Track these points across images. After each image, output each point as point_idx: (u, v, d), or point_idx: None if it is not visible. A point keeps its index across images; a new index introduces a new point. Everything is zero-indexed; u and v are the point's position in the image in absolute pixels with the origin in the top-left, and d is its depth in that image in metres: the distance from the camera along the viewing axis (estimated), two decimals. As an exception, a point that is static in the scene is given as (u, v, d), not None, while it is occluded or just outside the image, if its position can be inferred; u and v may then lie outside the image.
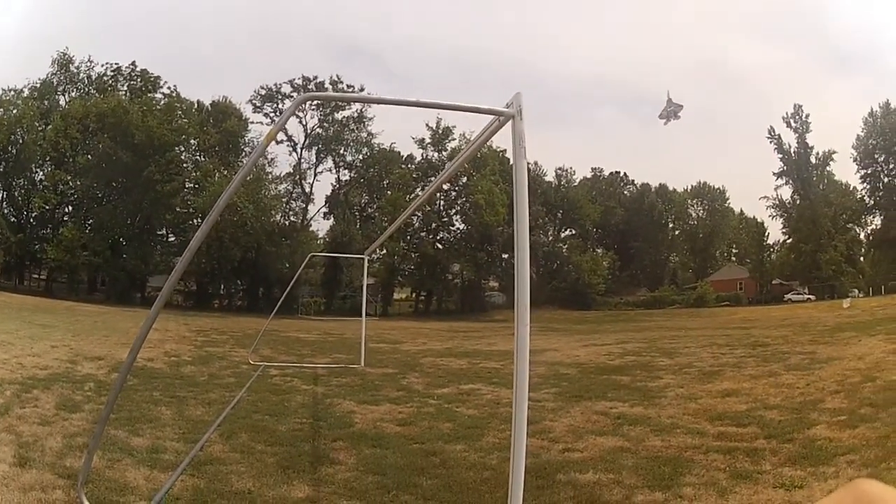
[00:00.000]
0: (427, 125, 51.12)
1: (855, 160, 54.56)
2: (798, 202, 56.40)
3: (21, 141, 43.55)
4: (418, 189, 48.04)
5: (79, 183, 45.84)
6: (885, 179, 53.60)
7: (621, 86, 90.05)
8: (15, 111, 44.09)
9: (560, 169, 59.82)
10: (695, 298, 52.96)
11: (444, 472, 5.87)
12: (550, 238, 58.24)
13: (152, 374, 11.21)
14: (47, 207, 45.05)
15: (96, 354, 13.44)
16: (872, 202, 54.86)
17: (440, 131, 50.70)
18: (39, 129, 44.80)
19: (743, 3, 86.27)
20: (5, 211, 44.93)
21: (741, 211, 67.14)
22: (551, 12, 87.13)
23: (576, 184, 60.48)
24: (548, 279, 53.34)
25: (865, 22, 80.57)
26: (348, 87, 51.23)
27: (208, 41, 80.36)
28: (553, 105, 78.35)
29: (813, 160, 56.00)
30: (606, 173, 64.97)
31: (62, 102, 48.88)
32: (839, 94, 78.51)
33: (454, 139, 50.18)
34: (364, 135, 52.70)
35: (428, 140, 51.27)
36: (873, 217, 55.95)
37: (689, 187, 66.40)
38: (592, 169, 64.67)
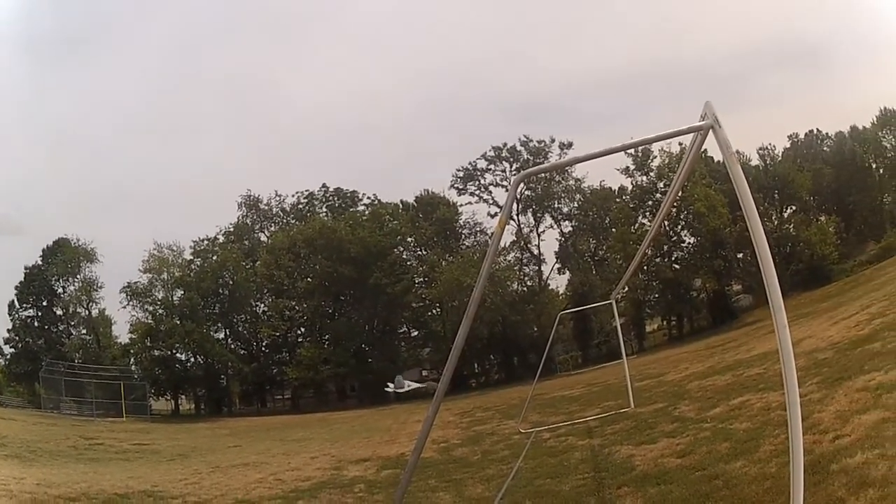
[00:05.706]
0: (626, 153, 49.42)
1: None
2: None
3: (231, 282, 45.34)
4: (640, 218, 48.61)
5: (305, 305, 48.02)
6: None
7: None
8: (215, 258, 46.15)
9: (761, 149, 55.73)
10: (924, 233, 44.90)
11: (728, 492, 5.89)
12: (776, 222, 54.53)
13: (424, 465, 10.72)
14: (277, 334, 46.23)
15: (361, 457, 13.32)
16: None
17: (639, 154, 50.36)
18: (248, 267, 46.96)
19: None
20: (233, 346, 46.51)
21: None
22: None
23: (779, 158, 56.41)
24: (785, 266, 50.33)
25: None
26: (539, 142, 51.26)
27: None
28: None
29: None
30: (801, 136, 59.19)
31: (262, 238, 51.85)
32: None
33: (656, 157, 49.70)
34: (571, 182, 52.57)
35: (632, 166, 51.13)
36: None
37: (873, 121, 57.70)
38: (788, 137, 58.90)
